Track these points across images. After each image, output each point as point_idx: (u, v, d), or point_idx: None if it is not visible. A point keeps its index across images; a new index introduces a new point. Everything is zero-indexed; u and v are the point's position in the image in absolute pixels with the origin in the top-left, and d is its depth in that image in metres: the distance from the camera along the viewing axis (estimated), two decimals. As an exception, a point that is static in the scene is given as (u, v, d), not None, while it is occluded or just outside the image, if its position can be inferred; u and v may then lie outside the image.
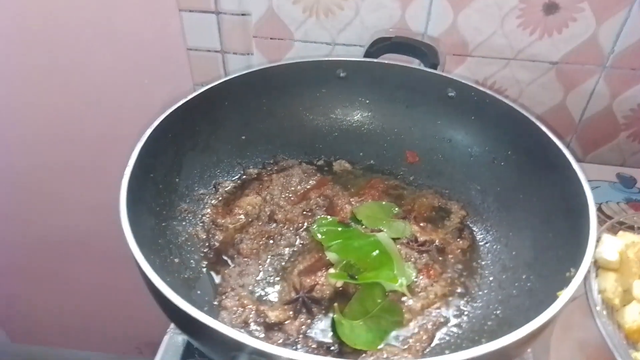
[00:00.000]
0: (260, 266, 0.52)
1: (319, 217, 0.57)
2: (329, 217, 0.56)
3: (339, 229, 0.55)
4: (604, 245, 0.50)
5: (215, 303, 0.49)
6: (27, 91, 0.83)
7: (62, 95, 0.82)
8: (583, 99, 0.70)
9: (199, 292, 0.50)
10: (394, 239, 0.54)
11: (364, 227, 0.56)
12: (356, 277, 0.49)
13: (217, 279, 0.52)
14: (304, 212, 0.58)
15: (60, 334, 1.26)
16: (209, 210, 0.58)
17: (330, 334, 0.46)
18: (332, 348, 0.45)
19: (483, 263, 0.54)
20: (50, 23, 0.75)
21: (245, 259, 0.53)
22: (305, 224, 0.57)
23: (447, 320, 0.49)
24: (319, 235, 0.54)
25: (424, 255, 0.53)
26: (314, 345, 0.46)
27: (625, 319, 0.48)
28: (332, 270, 0.50)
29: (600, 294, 0.49)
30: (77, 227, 1.01)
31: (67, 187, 0.95)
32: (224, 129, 0.61)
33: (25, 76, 0.81)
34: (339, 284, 0.48)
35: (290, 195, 0.60)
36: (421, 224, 0.57)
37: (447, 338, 0.47)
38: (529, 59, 0.67)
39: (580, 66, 0.67)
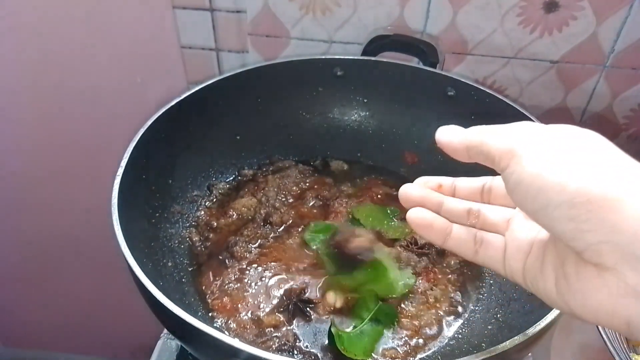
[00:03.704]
0: (254, 269, 0.51)
1: (311, 223, 0.55)
2: (319, 222, 0.55)
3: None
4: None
5: (209, 308, 0.48)
6: (17, 89, 0.81)
7: (53, 94, 0.81)
8: (583, 99, 0.69)
9: (192, 296, 0.49)
10: (393, 240, 0.54)
11: (362, 227, 0.55)
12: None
13: (210, 283, 0.50)
14: (300, 214, 0.57)
15: (53, 337, 1.25)
16: (202, 212, 0.57)
17: (326, 338, 0.46)
18: (328, 354, 0.44)
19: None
20: (42, 20, 0.73)
21: (239, 262, 0.52)
22: (302, 226, 0.56)
23: (447, 325, 0.48)
24: (313, 246, 0.53)
25: (423, 258, 0.52)
26: (309, 350, 0.45)
27: (627, 323, 0.48)
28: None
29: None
30: (69, 229, 0.99)
31: (58, 188, 0.94)
32: (219, 128, 0.60)
33: (15, 74, 0.80)
34: (338, 304, 0.48)
35: (286, 196, 0.59)
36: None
37: (447, 342, 0.47)
38: (529, 58, 0.66)
39: (580, 65, 0.66)
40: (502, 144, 0.24)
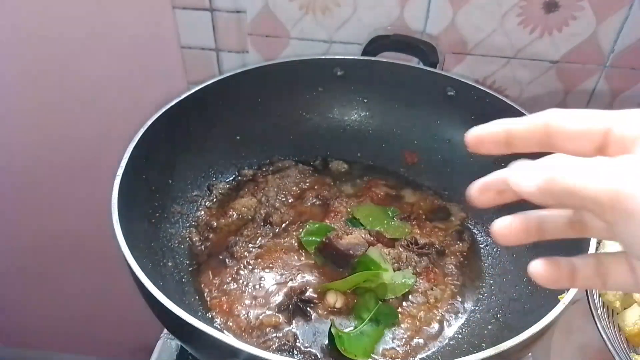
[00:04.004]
0: (254, 269, 0.51)
1: (307, 224, 0.55)
2: (315, 223, 0.55)
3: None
4: (605, 248, 0.50)
5: (209, 308, 0.48)
6: (17, 90, 0.81)
7: (53, 95, 0.81)
8: (584, 99, 0.69)
9: (192, 296, 0.49)
10: (393, 240, 0.54)
11: (362, 227, 0.55)
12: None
13: (210, 282, 0.50)
14: (300, 214, 0.57)
15: (53, 337, 1.25)
16: (202, 212, 0.57)
17: (326, 338, 0.46)
18: (328, 354, 0.44)
19: (483, 265, 0.53)
20: (42, 20, 0.73)
21: (239, 262, 0.52)
22: (302, 226, 0.56)
23: (447, 325, 0.48)
24: (308, 248, 0.53)
25: (423, 258, 0.52)
26: (309, 350, 0.45)
27: (625, 322, 0.48)
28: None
29: (601, 297, 0.48)
30: (69, 229, 0.99)
31: (58, 188, 0.94)
32: (219, 129, 0.60)
33: (15, 74, 0.80)
34: (338, 304, 0.48)
35: (286, 196, 0.59)
36: (421, 226, 0.56)
37: (447, 342, 0.47)
38: (529, 58, 0.66)
39: (580, 65, 0.66)
40: (605, 188, 0.18)
